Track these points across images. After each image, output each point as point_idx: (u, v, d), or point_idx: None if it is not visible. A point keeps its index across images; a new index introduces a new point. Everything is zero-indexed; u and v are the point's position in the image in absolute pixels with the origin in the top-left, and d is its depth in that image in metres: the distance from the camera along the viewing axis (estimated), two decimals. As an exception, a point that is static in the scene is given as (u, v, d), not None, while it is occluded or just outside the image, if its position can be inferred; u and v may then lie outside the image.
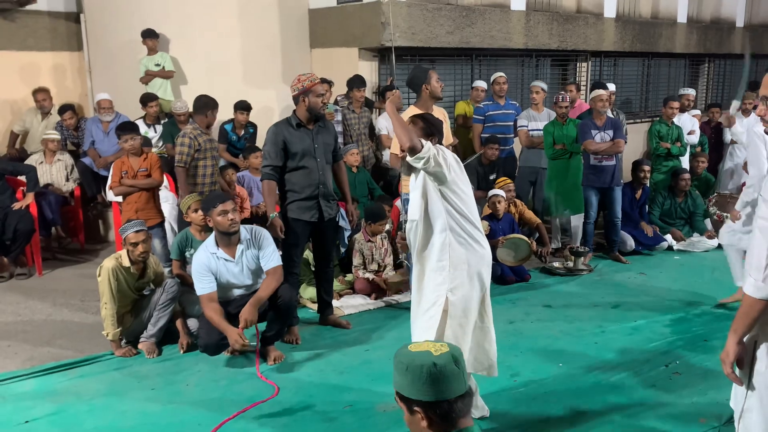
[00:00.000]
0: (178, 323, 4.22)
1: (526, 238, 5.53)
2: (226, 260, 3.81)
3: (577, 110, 7.07)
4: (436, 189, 2.97)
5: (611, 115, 6.32)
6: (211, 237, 3.86)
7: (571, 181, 6.15)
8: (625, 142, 6.03)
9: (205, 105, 4.87)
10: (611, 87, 6.98)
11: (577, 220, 6.34)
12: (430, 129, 3.09)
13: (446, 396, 1.70)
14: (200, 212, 4.43)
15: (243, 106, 6.37)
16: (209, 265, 3.79)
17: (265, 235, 3.89)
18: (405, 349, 1.79)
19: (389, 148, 6.78)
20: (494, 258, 5.44)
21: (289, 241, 4.16)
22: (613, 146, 5.89)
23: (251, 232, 3.87)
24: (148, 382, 3.75)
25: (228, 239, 3.80)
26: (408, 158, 2.90)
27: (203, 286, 3.77)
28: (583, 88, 9.08)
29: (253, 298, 3.76)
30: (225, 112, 6.46)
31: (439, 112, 4.40)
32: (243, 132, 6.49)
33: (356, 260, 5.26)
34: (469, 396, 1.74)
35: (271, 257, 3.85)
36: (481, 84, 7.20)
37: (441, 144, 3.10)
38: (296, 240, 4.20)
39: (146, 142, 5.85)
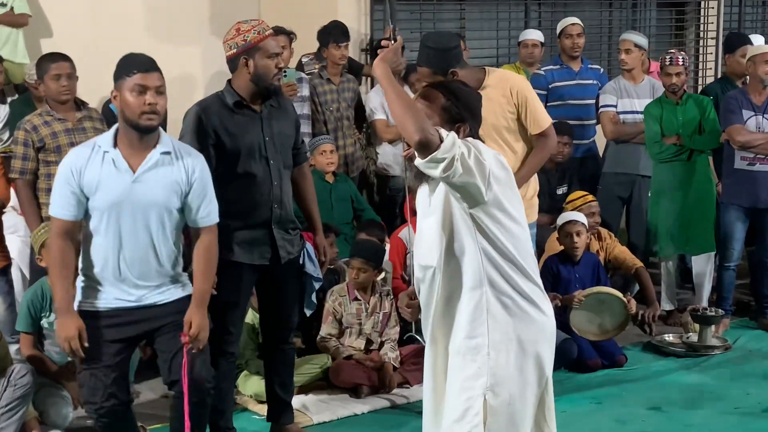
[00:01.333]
0: (32, 438, 4.21)
1: (619, 294, 5.51)
2: (118, 167, 3.65)
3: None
4: (464, 214, 2.94)
5: None
6: (111, 131, 3.76)
7: (694, 198, 6.17)
8: None
9: (39, 71, 5.04)
10: (758, 40, 7.04)
11: (704, 264, 6.36)
12: (457, 109, 3.06)
13: None
14: None
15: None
16: (84, 170, 3.64)
17: (204, 165, 3.82)
18: None
19: (389, 141, 6.85)
20: (566, 327, 5.49)
21: (224, 298, 4.10)
22: None
23: (179, 145, 3.81)
24: None
25: (137, 136, 3.66)
26: (417, 160, 2.88)
27: (61, 202, 3.65)
28: (711, 42, 9.18)
29: (196, 294, 3.77)
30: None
31: (471, 77, 4.35)
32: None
33: (326, 328, 5.25)
34: None
35: (209, 205, 3.82)
36: (535, 36, 7.27)
37: (476, 137, 3.08)
38: (235, 297, 4.19)
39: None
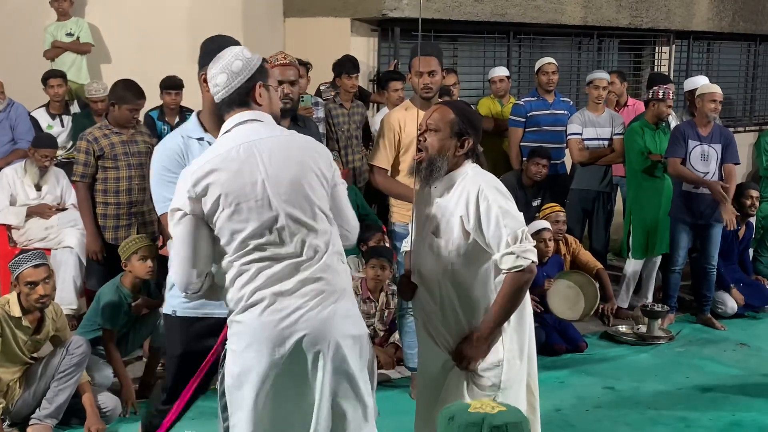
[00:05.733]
0: (86, 400, 4.19)
1: (590, 277, 5.53)
2: None
3: (630, 111, 7.15)
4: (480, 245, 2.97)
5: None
6: (192, 119, 3.29)
7: (663, 210, 6.17)
8: (737, 163, 6.06)
9: (120, 98, 4.85)
10: (702, 80, 7.01)
11: (651, 267, 6.40)
12: (463, 125, 3.03)
13: None
14: (149, 262, 4.44)
15: (170, 85, 6.32)
16: (187, 155, 3.08)
17: None
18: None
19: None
20: (535, 315, 5.45)
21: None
22: (719, 183, 5.84)
23: None
24: (40, 482, 3.73)
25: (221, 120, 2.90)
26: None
27: (167, 195, 2.92)
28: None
29: None
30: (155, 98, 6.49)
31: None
32: (177, 120, 6.43)
33: None
34: None
35: None
36: (500, 72, 7.27)
37: (476, 148, 3.08)
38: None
39: (47, 141, 5.86)
